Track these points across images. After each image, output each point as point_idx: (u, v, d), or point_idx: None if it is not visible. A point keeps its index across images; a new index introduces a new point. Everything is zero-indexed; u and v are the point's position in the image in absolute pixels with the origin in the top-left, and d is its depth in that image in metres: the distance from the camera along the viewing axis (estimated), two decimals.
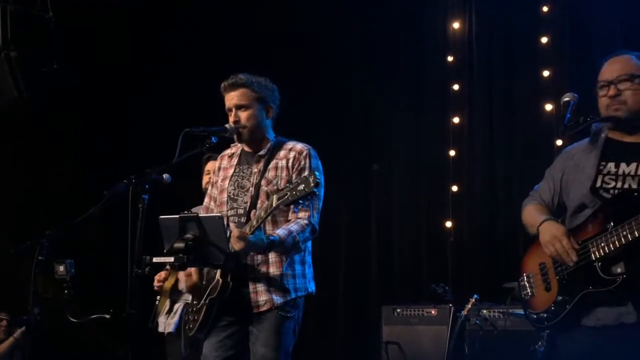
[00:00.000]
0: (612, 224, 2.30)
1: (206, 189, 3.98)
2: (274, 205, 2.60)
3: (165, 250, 2.77)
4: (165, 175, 3.06)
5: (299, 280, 2.89)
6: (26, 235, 3.48)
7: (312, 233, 2.87)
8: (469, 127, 5.57)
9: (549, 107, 5.21)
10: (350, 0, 5.82)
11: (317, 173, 2.53)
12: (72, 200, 5.41)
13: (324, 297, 3.05)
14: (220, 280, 2.79)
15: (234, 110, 2.95)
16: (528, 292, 2.55)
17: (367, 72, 5.89)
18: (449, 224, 5.47)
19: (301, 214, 2.82)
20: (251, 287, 2.82)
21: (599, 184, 2.41)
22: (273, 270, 2.83)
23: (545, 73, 5.16)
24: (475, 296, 4.42)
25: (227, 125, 2.92)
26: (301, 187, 2.52)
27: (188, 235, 2.66)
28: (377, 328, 4.96)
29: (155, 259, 2.68)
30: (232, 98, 2.95)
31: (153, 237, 2.75)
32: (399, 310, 4.87)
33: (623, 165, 2.40)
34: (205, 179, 4.01)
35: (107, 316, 2.99)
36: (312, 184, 2.50)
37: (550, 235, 2.41)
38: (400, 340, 4.80)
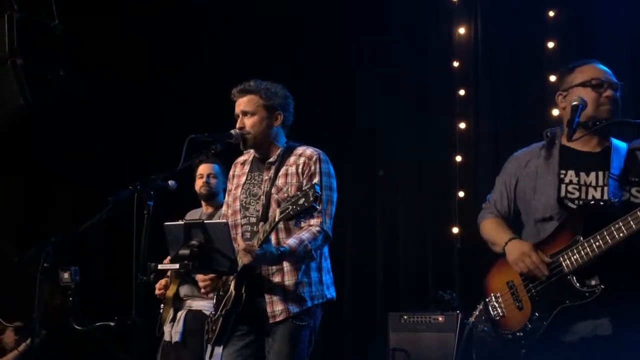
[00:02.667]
0: (581, 235, 2.28)
1: (201, 193, 4.01)
2: (276, 219, 2.60)
3: (170, 257, 2.76)
4: (170, 182, 3.06)
5: (315, 287, 2.87)
6: (31, 242, 3.47)
7: (325, 239, 2.86)
8: (475, 132, 5.54)
9: (555, 112, 5.18)
10: (356, 5, 5.82)
11: (317, 187, 2.52)
12: (78, 207, 5.42)
13: (330, 303, 3.02)
14: (234, 292, 2.78)
15: (240, 116, 2.95)
16: (498, 313, 2.49)
17: (372, 77, 5.88)
18: (455, 230, 5.44)
19: (313, 221, 2.80)
20: (267, 297, 2.81)
21: (563, 193, 2.39)
22: (288, 279, 2.82)
23: (552, 78, 5.12)
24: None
25: (232, 132, 2.92)
26: (301, 201, 2.52)
27: (193, 242, 2.66)
28: (384, 335, 4.92)
29: (160, 266, 2.68)
30: (239, 104, 2.96)
31: (158, 243, 2.74)
32: (405, 317, 4.84)
33: (583, 175, 2.39)
34: (198, 182, 4.01)
35: (112, 324, 2.98)
36: (311, 198, 2.49)
37: (519, 252, 2.37)
38: (407, 347, 4.76)
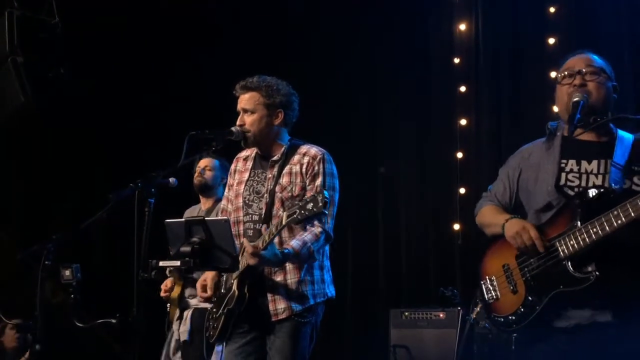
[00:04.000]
0: (579, 221, 2.26)
1: (195, 185, 4.02)
2: (283, 223, 2.59)
3: (171, 254, 2.76)
4: (172, 179, 3.06)
5: (318, 286, 2.87)
6: (33, 240, 3.48)
7: (327, 240, 2.86)
8: (477, 128, 5.54)
9: (556, 108, 5.16)
10: (356, 1, 5.81)
11: (326, 193, 2.50)
12: (79, 205, 5.42)
13: (331, 301, 3.02)
14: (237, 291, 2.78)
15: (241, 113, 2.94)
16: (492, 296, 2.47)
17: (373, 74, 5.87)
18: (456, 226, 5.44)
19: (315, 221, 2.79)
20: (269, 296, 2.81)
21: (562, 181, 2.38)
22: (291, 277, 2.82)
23: (553, 74, 5.11)
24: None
25: (233, 128, 2.91)
26: (309, 205, 2.50)
27: (194, 239, 2.65)
28: (385, 331, 4.93)
29: (161, 263, 2.67)
30: (241, 101, 2.95)
31: (159, 241, 2.74)
32: (407, 313, 4.85)
33: (584, 163, 2.38)
34: (195, 175, 4.03)
35: (114, 321, 2.98)
36: (320, 204, 2.47)
37: (519, 227, 2.35)
38: (408, 344, 4.77)
